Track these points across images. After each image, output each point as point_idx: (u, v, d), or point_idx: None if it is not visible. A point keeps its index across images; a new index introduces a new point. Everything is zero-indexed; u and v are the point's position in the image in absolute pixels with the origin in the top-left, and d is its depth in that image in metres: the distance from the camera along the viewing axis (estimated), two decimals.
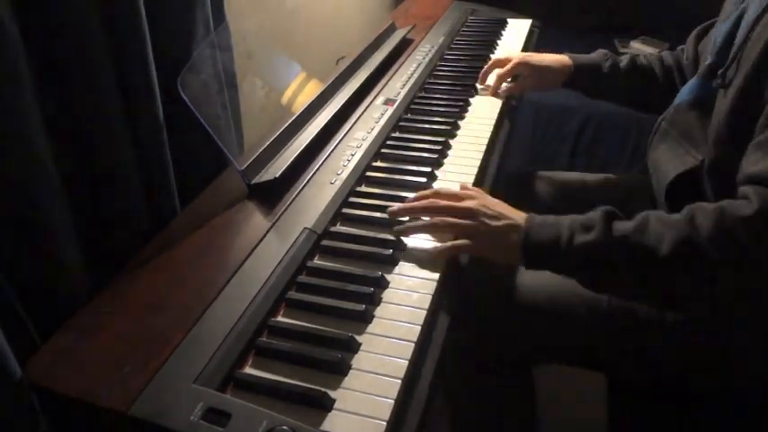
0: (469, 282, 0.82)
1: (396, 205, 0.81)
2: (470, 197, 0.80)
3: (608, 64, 1.14)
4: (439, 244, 0.78)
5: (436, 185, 0.89)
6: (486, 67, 1.21)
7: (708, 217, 0.68)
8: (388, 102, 1.10)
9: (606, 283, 0.75)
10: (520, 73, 1.20)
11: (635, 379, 0.94)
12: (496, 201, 0.80)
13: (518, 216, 0.77)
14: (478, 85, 1.21)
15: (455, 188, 0.85)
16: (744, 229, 0.66)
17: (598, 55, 1.17)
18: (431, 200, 0.80)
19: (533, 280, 0.93)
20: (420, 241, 0.79)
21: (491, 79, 1.20)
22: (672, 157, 0.90)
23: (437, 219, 0.79)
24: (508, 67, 1.17)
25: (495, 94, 1.18)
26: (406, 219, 0.82)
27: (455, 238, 0.78)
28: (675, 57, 1.15)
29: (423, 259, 0.76)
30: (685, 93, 0.92)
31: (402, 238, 0.79)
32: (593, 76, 1.15)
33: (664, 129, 0.94)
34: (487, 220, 0.76)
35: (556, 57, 1.17)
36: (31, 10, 0.65)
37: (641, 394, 0.95)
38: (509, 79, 1.21)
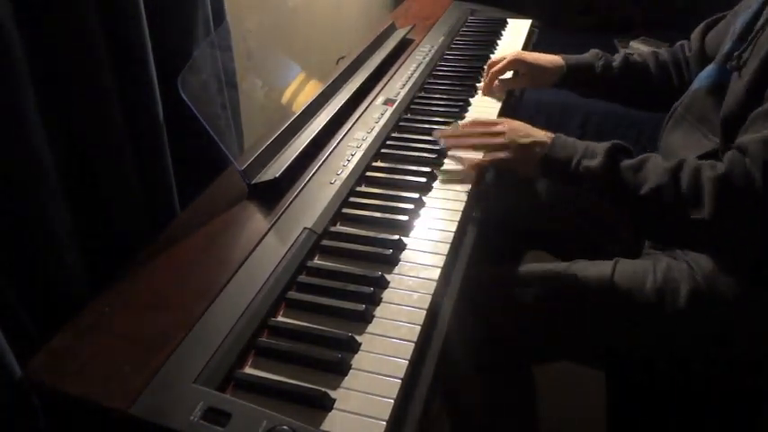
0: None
1: (442, 129, 0.98)
2: (501, 123, 0.93)
3: (600, 63, 1.15)
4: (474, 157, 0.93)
5: (436, 185, 0.90)
6: (485, 74, 1.20)
7: (688, 173, 0.76)
8: (388, 102, 1.10)
9: (603, 202, 0.86)
10: (514, 70, 1.20)
11: (634, 376, 0.94)
12: (524, 124, 0.92)
13: (543, 135, 0.88)
14: (478, 85, 1.21)
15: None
16: (710, 188, 0.73)
17: (591, 55, 1.17)
18: (469, 129, 0.96)
19: (532, 278, 0.93)
20: (454, 162, 0.95)
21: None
22: (688, 142, 0.91)
23: (475, 140, 0.93)
24: (503, 63, 1.17)
25: (487, 91, 1.18)
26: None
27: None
28: (672, 52, 1.15)
29: (458, 174, 0.92)
30: (703, 78, 0.93)
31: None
32: (585, 76, 1.16)
33: (679, 114, 0.95)
34: (516, 138, 0.89)
35: (550, 57, 1.18)
36: (32, 11, 0.65)
37: (640, 392, 0.95)
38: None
